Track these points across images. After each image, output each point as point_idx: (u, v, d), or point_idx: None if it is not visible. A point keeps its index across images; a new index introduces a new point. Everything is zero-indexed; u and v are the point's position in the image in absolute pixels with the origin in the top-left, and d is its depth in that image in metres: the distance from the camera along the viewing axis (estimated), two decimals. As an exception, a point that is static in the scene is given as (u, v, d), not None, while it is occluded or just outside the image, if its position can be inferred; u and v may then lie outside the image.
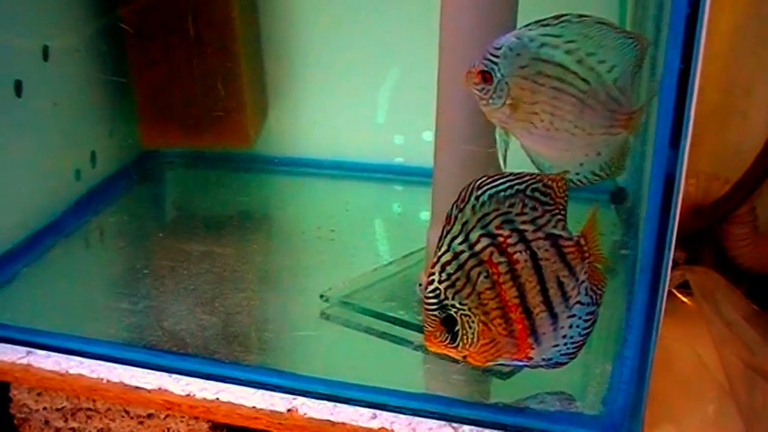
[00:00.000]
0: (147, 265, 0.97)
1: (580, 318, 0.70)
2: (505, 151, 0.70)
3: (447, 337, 0.68)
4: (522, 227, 0.68)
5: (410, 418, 0.73)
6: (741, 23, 1.03)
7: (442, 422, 0.73)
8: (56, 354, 0.82)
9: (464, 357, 0.70)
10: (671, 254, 0.61)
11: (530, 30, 0.69)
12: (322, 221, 1.09)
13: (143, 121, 1.12)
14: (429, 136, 1.29)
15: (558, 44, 0.66)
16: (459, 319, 0.68)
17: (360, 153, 1.24)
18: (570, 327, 0.70)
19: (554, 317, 0.70)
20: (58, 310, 0.89)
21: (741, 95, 1.06)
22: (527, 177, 0.68)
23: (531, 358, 0.71)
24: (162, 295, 0.90)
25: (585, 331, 0.71)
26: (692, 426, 0.81)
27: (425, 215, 1.19)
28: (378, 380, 0.78)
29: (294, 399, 0.76)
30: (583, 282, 0.69)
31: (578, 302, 0.70)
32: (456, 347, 0.69)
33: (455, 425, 0.73)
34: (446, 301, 0.67)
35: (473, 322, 0.68)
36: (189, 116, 1.12)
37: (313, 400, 0.76)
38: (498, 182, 0.67)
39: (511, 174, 0.68)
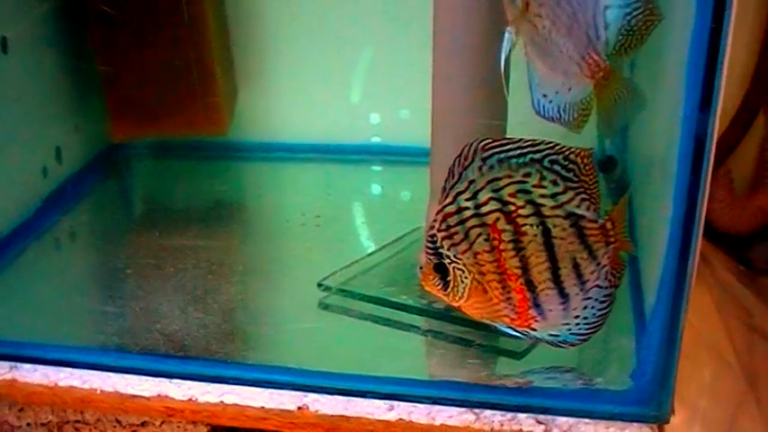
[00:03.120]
0: (129, 263, 0.91)
1: (597, 300, 0.68)
2: (509, 53, 0.68)
3: (440, 283, 0.69)
4: (541, 200, 0.65)
5: (429, 407, 0.71)
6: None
7: (462, 408, 0.70)
8: (42, 366, 0.76)
9: (458, 307, 0.70)
10: (702, 220, 0.59)
11: None
12: (305, 208, 1.05)
13: (112, 113, 1.06)
14: (406, 114, 1.27)
15: None
16: (451, 270, 0.68)
17: (335, 134, 1.20)
18: (585, 308, 0.68)
19: (564, 296, 0.67)
20: (39, 318, 0.83)
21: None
22: (544, 147, 0.65)
23: (533, 329, 0.69)
24: (150, 295, 0.85)
25: (602, 313, 0.68)
26: (690, 391, 0.81)
27: (407, 195, 1.18)
28: (389, 369, 0.75)
29: (305, 396, 0.73)
30: (604, 266, 0.66)
31: (596, 286, 0.67)
32: (447, 295, 0.69)
33: (476, 410, 0.70)
34: (441, 250, 0.67)
35: (465, 277, 0.67)
36: (160, 105, 1.06)
37: (325, 395, 0.72)
38: (507, 146, 0.65)
39: (521, 140, 0.65)
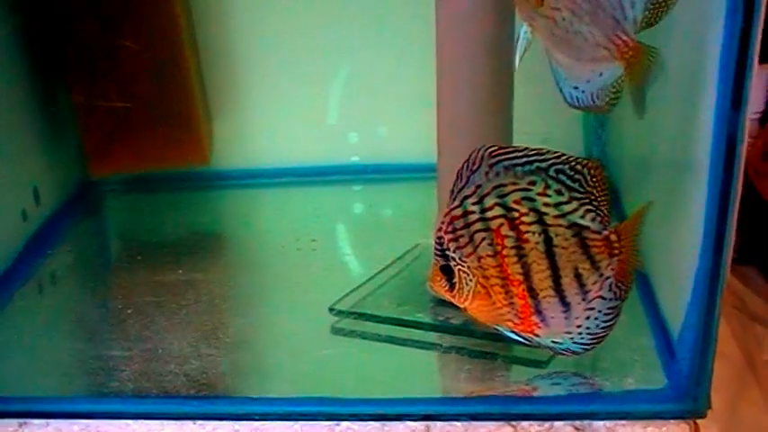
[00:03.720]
0: (128, 303, 0.87)
1: (600, 311, 0.68)
2: (524, 51, 0.68)
3: (446, 285, 0.70)
4: (544, 209, 0.66)
5: (466, 423, 0.70)
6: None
7: (500, 422, 0.69)
8: (54, 420, 0.71)
9: (464, 309, 0.71)
10: (734, 218, 0.60)
11: None
12: (298, 233, 1.03)
13: (90, 148, 1.02)
14: (384, 132, 1.27)
15: None
16: (456, 272, 0.69)
17: (313, 156, 1.19)
18: (588, 318, 0.68)
19: (566, 305, 0.68)
20: (44, 369, 0.79)
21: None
22: (550, 156, 0.65)
23: (537, 335, 0.70)
24: (157, 334, 0.81)
25: (606, 324, 0.69)
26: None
27: (393, 213, 1.17)
28: (420, 390, 0.74)
29: (337, 425, 0.71)
30: (608, 278, 0.67)
31: (600, 297, 0.68)
32: (453, 297, 0.70)
33: (513, 422, 0.70)
34: (447, 252, 0.69)
35: (470, 280, 0.69)
36: (141, 139, 1.02)
37: (358, 422, 0.70)
38: (513, 154, 0.65)
39: (527, 148, 0.66)
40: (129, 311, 0.86)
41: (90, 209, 1.10)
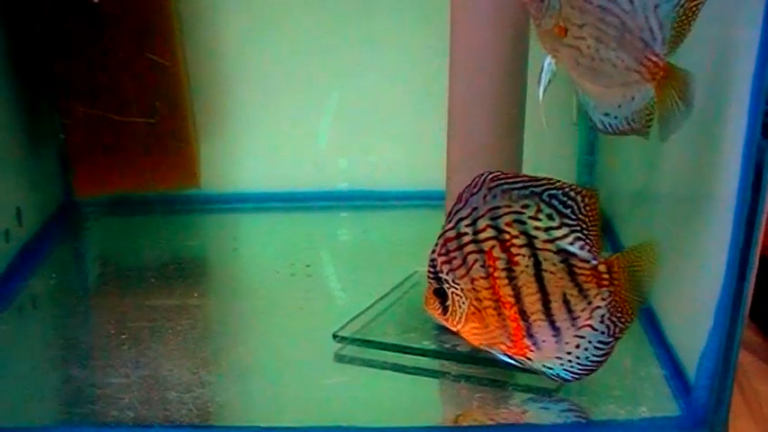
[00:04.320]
0: (121, 328, 0.83)
1: (590, 342, 0.68)
2: (548, 83, 0.68)
3: (439, 308, 0.70)
4: (534, 232, 0.66)
5: (477, 452, 0.69)
6: None
7: (517, 451, 0.69)
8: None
9: (457, 332, 0.71)
10: (759, 245, 0.61)
11: None
12: (291, 258, 1.01)
13: (77, 167, 0.99)
14: (374, 158, 1.26)
15: None
16: (450, 294, 0.69)
17: (301, 182, 1.17)
18: (578, 347, 0.69)
19: (556, 329, 0.68)
20: (40, 399, 0.74)
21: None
22: (543, 181, 0.67)
23: (529, 359, 0.70)
24: (154, 361, 0.78)
25: (596, 359, 0.69)
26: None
27: (384, 239, 1.15)
28: (433, 418, 0.72)
29: (348, 454, 0.69)
30: (597, 308, 0.67)
31: (589, 326, 0.68)
32: (447, 320, 0.70)
33: (531, 452, 0.69)
34: (440, 275, 0.69)
35: (463, 303, 0.69)
36: (130, 159, 0.99)
37: (369, 451, 0.69)
38: (512, 179, 0.67)
39: (527, 176, 0.67)
40: (123, 336, 0.82)
41: (72, 231, 1.06)
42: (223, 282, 0.99)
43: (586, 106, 0.66)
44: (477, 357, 0.78)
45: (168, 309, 0.88)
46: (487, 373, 0.77)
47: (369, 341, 0.82)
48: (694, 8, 0.60)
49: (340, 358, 0.81)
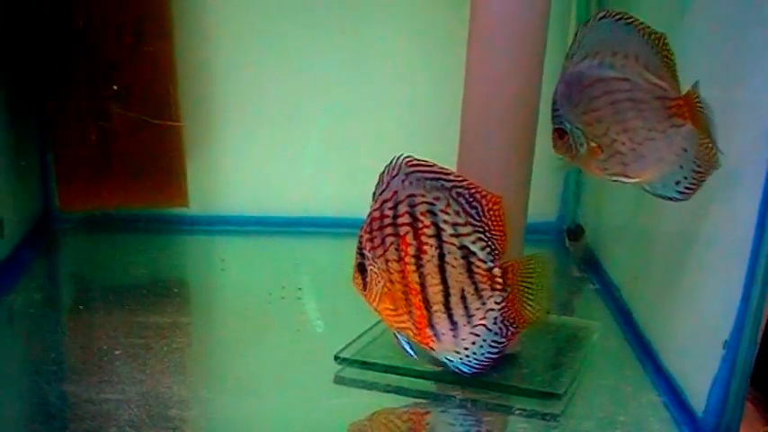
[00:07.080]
0: (113, 345, 0.80)
1: (485, 341, 0.72)
2: None
3: (361, 283, 0.73)
4: (443, 225, 0.70)
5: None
6: None
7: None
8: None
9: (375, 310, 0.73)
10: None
11: (571, 62, 0.69)
12: (281, 281, 0.99)
13: (62, 181, 0.96)
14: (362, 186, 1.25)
15: (592, 61, 0.66)
16: (368, 271, 0.72)
17: (287, 207, 1.16)
18: (473, 343, 0.72)
19: (453, 324, 0.72)
20: (34, 418, 0.70)
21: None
22: (452, 176, 0.70)
23: (432, 348, 0.73)
24: (151, 378, 0.75)
25: (491, 356, 0.72)
26: None
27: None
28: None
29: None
30: (491, 309, 0.71)
31: (483, 325, 0.71)
32: (366, 295, 0.73)
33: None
34: (363, 251, 0.72)
35: (379, 281, 0.72)
36: (118, 175, 0.96)
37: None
38: (425, 167, 0.69)
39: (438, 166, 0.70)
40: (117, 352, 0.79)
41: (50, 245, 1.02)
42: (215, 302, 0.97)
43: (655, 190, 0.67)
44: (479, 381, 0.77)
45: (159, 326, 0.85)
46: (490, 397, 0.76)
47: (372, 363, 0.81)
48: (661, 38, 0.63)
49: (341, 380, 0.80)
